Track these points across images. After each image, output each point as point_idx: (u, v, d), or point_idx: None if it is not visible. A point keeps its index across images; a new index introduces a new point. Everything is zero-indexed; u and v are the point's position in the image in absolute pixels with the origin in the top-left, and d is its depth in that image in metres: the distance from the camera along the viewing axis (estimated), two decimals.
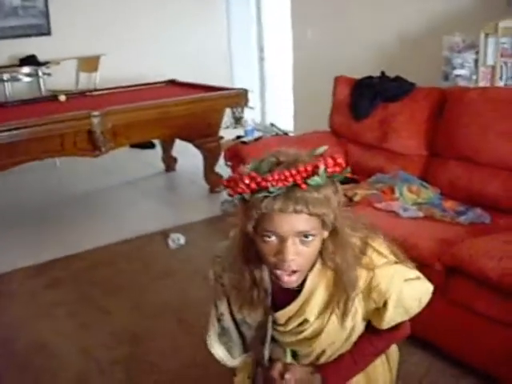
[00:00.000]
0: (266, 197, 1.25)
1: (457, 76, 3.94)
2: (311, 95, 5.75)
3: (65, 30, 6.64)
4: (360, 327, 1.51)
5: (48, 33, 6.66)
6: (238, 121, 7.47)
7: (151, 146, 6.58)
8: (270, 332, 1.53)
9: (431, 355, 2.59)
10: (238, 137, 6.22)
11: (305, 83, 6.09)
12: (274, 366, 1.51)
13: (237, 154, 3.86)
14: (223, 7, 7.72)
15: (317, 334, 1.47)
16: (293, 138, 4.85)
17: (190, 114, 4.75)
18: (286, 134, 6.41)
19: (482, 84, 3.78)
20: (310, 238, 1.29)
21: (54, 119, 4.12)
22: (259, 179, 1.25)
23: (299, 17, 6.08)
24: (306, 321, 1.45)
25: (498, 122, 2.96)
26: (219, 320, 1.61)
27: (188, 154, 5.53)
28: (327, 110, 4.05)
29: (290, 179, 1.23)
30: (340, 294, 1.40)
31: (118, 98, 4.86)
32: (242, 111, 5.89)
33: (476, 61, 3.85)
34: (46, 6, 6.61)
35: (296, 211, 1.24)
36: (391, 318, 1.44)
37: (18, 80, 6.41)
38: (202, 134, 4.93)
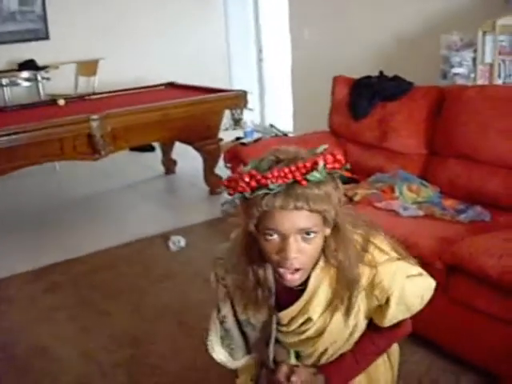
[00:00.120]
0: (266, 194, 1.25)
1: (455, 74, 3.94)
2: (310, 96, 5.76)
3: (63, 34, 6.64)
4: (362, 325, 1.50)
5: (46, 37, 6.66)
6: (237, 122, 7.47)
7: (151, 148, 6.58)
8: (274, 332, 1.52)
9: (432, 353, 2.59)
10: (238, 138, 6.23)
11: (304, 84, 6.09)
12: (279, 369, 1.51)
13: (236, 155, 3.86)
14: (221, 9, 7.71)
15: (320, 333, 1.47)
16: (292, 138, 4.85)
17: (189, 116, 4.75)
18: (285, 134, 6.41)
19: (480, 82, 3.78)
20: (312, 236, 1.29)
21: (53, 123, 4.11)
22: (259, 177, 1.25)
23: (297, 17, 6.08)
24: (309, 319, 1.45)
25: (497, 120, 2.96)
26: (222, 322, 1.61)
27: (188, 157, 5.53)
28: (326, 110, 4.05)
29: (290, 176, 1.24)
30: (343, 291, 1.40)
31: (117, 102, 4.86)
32: (242, 113, 5.89)
33: (474, 59, 3.85)
34: (44, 10, 6.60)
35: (297, 208, 1.24)
36: (393, 315, 1.43)
37: (16, 85, 6.41)
38: (202, 136, 4.93)
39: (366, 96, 3.70)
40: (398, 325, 1.51)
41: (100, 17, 6.82)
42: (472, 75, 3.87)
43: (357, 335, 1.51)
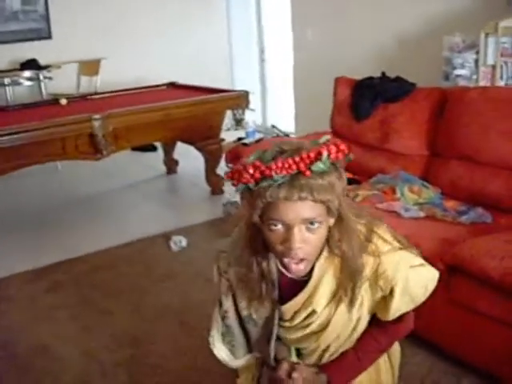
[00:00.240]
0: (270, 185, 1.26)
1: (457, 76, 3.94)
2: (312, 96, 5.76)
3: (65, 33, 6.65)
4: (365, 320, 1.50)
5: (49, 37, 6.67)
6: (238, 123, 7.49)
7: (153, 148, 6.59)
8: (276, 328, 1.52)
9: (433, 355, 2.59)
10: (239, 139, 6.21)
11: (305, 84, 6.09)
12: (280, 366, 1.50)
13: (238, 155, 3.86)
14: (223, 9, 7.72)
15: (324, 327, 1.46)
16: (294, 139, 4.85)
17: (191, 116, 4.75)
18: (287, 135, 6.40)
19: (482, 84, 3.78)
20: (316, 226, 1.30)
21: (55, 123, 4.12)
22: (263, 168, 1.26)
23: (299, 18, 6.09)
24: (313, 312, 1.44)
25: (499, 122, 2.96)
26: (223, 318, 1.60)
27: (189, 157, 5.53)
28: (328, 111, 4.05)
29: (294, 167, 1.24)
30: (347, 281, 1.40)
31: (119, 101, 4.87)
32: (243, 113, 5.88)
33: (476, 61, 3.85)
34: (47, 10, 6.62)
35: (301, 198, 1.25)
36: (397, 306, 1.44)
37: (19, 84, 6.42)
38: (204, 136, 4.93)
39: (367, 97, 3.70)
40: (400, 320, 1.51)
41: (103, 17, 6.83)
42: (474, 77, 3.87)
43: (359, 330, 1.51)
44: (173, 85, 5.75)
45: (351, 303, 1.42)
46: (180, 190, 5.62)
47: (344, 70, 4.18)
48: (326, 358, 1.54)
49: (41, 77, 6.34)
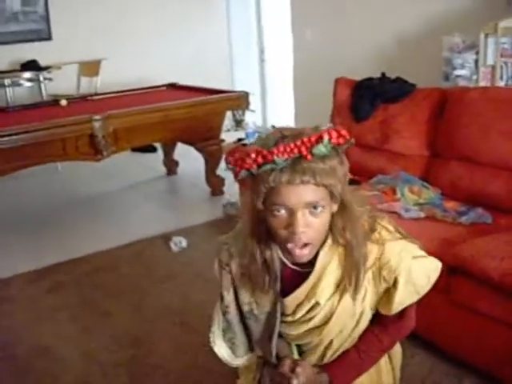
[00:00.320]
0: (272, 170, 1.27)
1: (457, 76, 3.95)
2: (312, 97, 5.76)
3: (65, 34, 6.66)
4: (367, 315, 1.50)
5: (49, 38, 6.68)
6: (239, 123, 7.50)
7: (153, 149, 6.59)
8: (278, 322, 1.51)
9: (434, 356, 2.59)
10: (239, 139, 6.22)
11: (305, 85, 6.09)
12: (283, 363, 1.49)
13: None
14: (223, 9, 7.73)
15: (327, 320, 1.46)
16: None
17: (191, 117, 4.76)
18: None
19: (482, 84, 3.79)
20: (319, 210, 1.31)
21: (55, 124, 4.12)
22: (265, 152, 1.27)
23: (299, 18, 6.09)
24: (317, 304, 1.44)
25: (499, 122, 2.96)
26: (224, 313, 1.59)
27: (189, 158, 5.54)
28: (328, 111, 4.05)
29: (296, 150, 1.26)
30: (352, 270, 1.40)
31: (119, 102, 4.87)
32: (243, 114, 5.89)
33: (476, 61, 3.86)
34: (47, 10, 6.63)
35: (303, 182, 1.26)
36: (401, 298, 1.44)
37: (19, 85, 6.42)
38: (204, 137, 4.93)
39: (367, 98, 3.70)
40: (402, 318, 1.51)
41: (103, 17, 6.84)
42: (474, 77, 3.88)
43: (362, 326, 1.51)
44: (173, 86, 5.76)
45: (355, 292, 1.42)
46: (180, 191, 5.62)
47: (344, 71, 4.18)
48: (327, 357, 1.54)
49: (41, 78, 6.35)
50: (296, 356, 1.57)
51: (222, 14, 7.73)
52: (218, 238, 1.60)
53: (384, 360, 1.64)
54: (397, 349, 1.70)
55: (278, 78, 7.28)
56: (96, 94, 5.65)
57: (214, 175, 5.08)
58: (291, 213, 1.30)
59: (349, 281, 1.41)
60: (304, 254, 1.36)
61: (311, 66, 5.95)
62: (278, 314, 1.50)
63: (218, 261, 1.57)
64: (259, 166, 1.29)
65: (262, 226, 1.40)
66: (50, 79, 6.42)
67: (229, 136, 6.05)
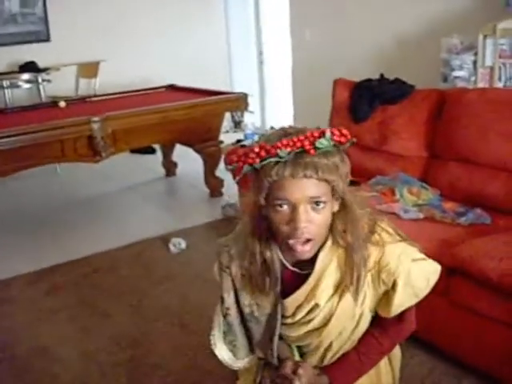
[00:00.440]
0: (276, 163, 1.28)
1: (456, 77, 3.96)
2: (311, 98, 5.76)
3: (64, 36, 6.66)
4: (367, 317, 1.51)
5: (47, 39, 6.68)
6: (237, 125, 7.50)
7: (151, 150, 6.59)
8: (279, 323, 1.51)
9: (433, 356, 2.59)
10: (238, 141, 6.22)
11: (304, 86, 6.10)
12: (284, 364, 1.49)
13: None
14: (222, 10, 7.73)
15: (326, 321, 1.46)
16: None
17: (189, 118, 4.76)
18: None
19: (480, 85, 3.80)
20: (321, 206, 1.32)
21: (54, 125, 4.12)
22: (268, 147, 1.29)
23: (298, 19, 6.10)
24: (316, 306, 1.44)
25: (497, 123, 2.96)
26: (225, 315, 1.59)
27: (188, 159, 5.53)
28: (327, 112, 4.06)
29: (298, 144, 1.28)
30: (351, 272, 1.40)
31: (117, 104, 4.87)
32: (242, 115, 5.89)
33: (474, 62, 3.86)
34: (45, 12, 6.63)
35: (306, 176, 1.28)
36: (400, 301, 1.44)
37: (17, 87, 6.43)
38: (202, 138, 4.93)
39: (366, 99, 3.71)
40: (401, 320, 1.51)
41: (101, 19, 6.84)
42: (472, 78, 3.88)
43: (361, 328, 1.51)
44: (172, 87, 5.76)
45: (357, 293, 1.42)
46: (179, 192, 5.62)
47: (343, 72, 4.19)
48: (327, 359, 1.54)
49: (39, 79, 6.35)
50: (297, 358, 1.57)
51: (221, 14, 7.73)
52: (218, 240, 1.60)
53: (383, 361, 1.63)
54: (396, 351, 1.70)
55: (277, 79, 7.28)
56: (95, 96, 5.65)
57: (212, 176, 5.09)
58: (294, 208, 1.31)
59: (350, 282, 1.41)
60: (306, 250, 1.36)
61: (310, 66, 5.96)
62: (279, 316, 1.50)
63: (218, 263, 1.57)
64: (262, 161, 1.30)
65: (263, 223, 1.41)
66: (48, 81, 6.42)
67: (228, 137, 6.05)
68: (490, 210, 2.86)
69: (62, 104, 4.98)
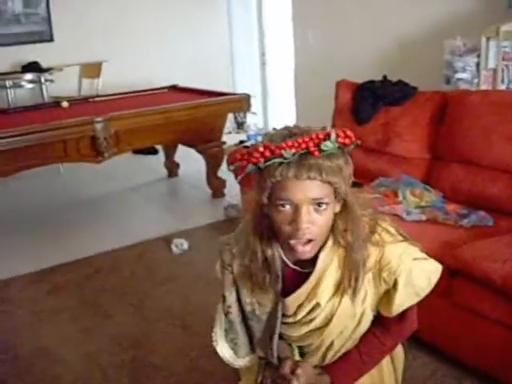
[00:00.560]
0: (279, 165, 1.28)
1: (458, 80, 3.95)
2: (313, 99, 5.76)
3: (67, 36, 6.67)
4: (368, 316, 1.51)
5: (50, 39, 6.69)
6: (240, 126, 7.51)
7: (154, 151, 6.60)
8: (279, 322, 1.51)
9: (435, 358, 2.59)
10: (241, 142, 6.23)
11: (307, 87, 6.09)
12: (284, 364, 1.49)
13: None
14: (225, 12, 7.74)
15: (327, 322, 1.47)
16: None
17: (192, 119, 4.76)
18: None
19: (483, 87, 3.79)
20: (323, 207, 1.32)
21: (56, 125, 4.13)
22: (273, 147, 1.29)
23: (300, 21, 6.09)
24: (317, 305, 1.45)
25: (500, 125, 2.96)
26: (226, 313, 1.59)
27: (191, 160, 5.54)
28: (329, 113, 4.05)
29: (303, 145, 1.28)
30: (351, 271, 1.41)
31: (120, 104, 4.88)
32: (245, 116, 5.89)
33: (477, 64, 3.86)
34: (48, 12, 6.64)
35: (310, 178, 1.28)
36: (401, 300, 1.44)
37: (20, 87, 6.44)
38: (205, 139, 4.93)
39: (369, 100, 3.70)
40: (403, 319, 1.51)
41: (105, 19, 6.85)
42: (475, 80, 3.87)
43: (363, 327, 1.51)
44: (174, 88, 5.76)
45: (354, 293, 1.42)
46: (181, 193, 5.62)
47: (345, 73, 4.18)
48: (328, 358, 1.54)
49: (42, 79, 6.36)
50: (297, 357, 1.57)
51: (224, 16, 7.74)
52: (220, 239, 1.61)
53: (386, 361, 1.63)
54: (399, 350, 1.70)
55: (280, 80, 7.28)
56: (97, 96, 5.66)
57: (215, 177, 5.09)
58: (296, 208, 1.31)
59: (348, 282, 1.42)
60: (306, 251, 1.37)
61: (312, 68, 5.95)
62: (279, 314, 1.51)
63: (220, 261, 1.58)
64: (266, 161, 1.30)
65: (265, 222, 1.41)
66: (51, 81, 6.43)
67: (230, 138, 6.05)
68: (493, 211, 2.86)
69: (65, 104, 4.99)
